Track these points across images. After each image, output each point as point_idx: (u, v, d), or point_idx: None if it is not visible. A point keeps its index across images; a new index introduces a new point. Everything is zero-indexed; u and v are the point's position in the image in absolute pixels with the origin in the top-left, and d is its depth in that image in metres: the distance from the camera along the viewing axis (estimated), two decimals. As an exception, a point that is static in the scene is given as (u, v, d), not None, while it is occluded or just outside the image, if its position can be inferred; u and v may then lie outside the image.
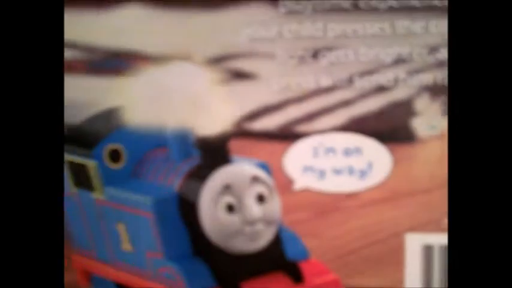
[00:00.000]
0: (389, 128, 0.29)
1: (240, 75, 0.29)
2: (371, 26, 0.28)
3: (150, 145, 0.29)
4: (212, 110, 0.26)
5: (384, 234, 0.30)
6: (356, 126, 0.29)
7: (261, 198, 0.25)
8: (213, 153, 0.26)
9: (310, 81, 0.29)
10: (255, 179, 0.25)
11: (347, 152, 0.29)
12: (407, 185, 0.29)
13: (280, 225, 0.27)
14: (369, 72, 0.29)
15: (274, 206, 0.26)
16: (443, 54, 0.29)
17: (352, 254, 0.30)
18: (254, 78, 0.29)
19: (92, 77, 0.29)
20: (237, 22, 0.29)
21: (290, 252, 0.28)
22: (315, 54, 0.29)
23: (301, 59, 0.29)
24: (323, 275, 0.27)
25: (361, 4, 0.28)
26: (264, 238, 0.26)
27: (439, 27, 0.28)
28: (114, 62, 0.29)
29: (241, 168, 0.26)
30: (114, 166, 0.29)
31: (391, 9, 0.28)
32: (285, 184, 0.30)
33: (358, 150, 0.29)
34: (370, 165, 0.29)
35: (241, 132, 0.29)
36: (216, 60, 0.29)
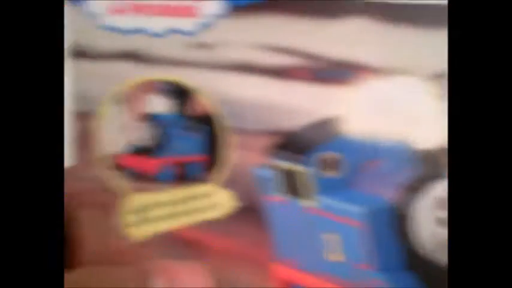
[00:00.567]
0: None
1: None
2: None
3: (366, 156, 0.28)
4: (431, 124, 0.25)
5: None
6: None
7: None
8: (431, 166, 0.25)
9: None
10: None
11: None
12: None
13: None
14: None
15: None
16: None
17: None
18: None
19: (316, 85, 0.29)
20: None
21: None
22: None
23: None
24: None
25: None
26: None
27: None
28: (339, 72, 0.29)
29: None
30: (328, 174, 0.28)
31: None
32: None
33: None
34: None
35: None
36: (439, 76, 0.28)
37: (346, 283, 0.26)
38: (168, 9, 0.27)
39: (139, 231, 0.28)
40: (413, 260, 0.25)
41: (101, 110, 0.27)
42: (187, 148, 0.29)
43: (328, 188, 0.28)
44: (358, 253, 0.26)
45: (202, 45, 0.28)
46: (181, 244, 0.28)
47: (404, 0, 0.26)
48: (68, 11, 0.26)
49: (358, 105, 0.27)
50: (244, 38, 0.28)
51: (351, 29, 0.28)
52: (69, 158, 0.26)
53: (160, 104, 0.28)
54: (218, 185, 0.29)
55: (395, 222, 0.25)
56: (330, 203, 0.28)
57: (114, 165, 0.27)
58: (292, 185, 0.29)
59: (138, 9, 0.26)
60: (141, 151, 0.28)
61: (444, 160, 0.25)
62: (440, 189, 0.24)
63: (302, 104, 0.28)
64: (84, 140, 0.26)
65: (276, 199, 0.30)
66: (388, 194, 0.26)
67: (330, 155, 0.28)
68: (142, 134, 0.27)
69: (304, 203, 0.29)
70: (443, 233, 0.23)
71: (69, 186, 0.26)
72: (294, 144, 0.29)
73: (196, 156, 0.29)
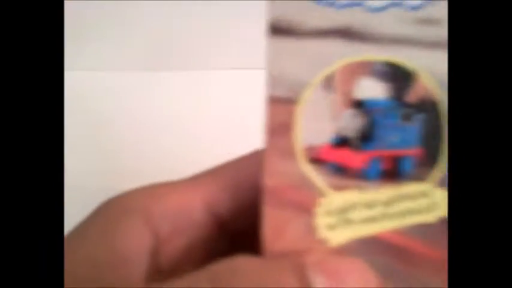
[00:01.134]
0: None
1: None
2: None
3: None
4: None
5: None
6: None
7: None
8: None
9: None
10: None
11: None
12: None
13: None
14: None
15: None
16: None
17: None
18: None
19: None
20: None
21: None
22: None
23: None
24: None
25: None
26: None
27: None
28: None
29: None
30: None
31: None
32: None
33: None
34: None
35: None
36: None
37: None
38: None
39: (339, 234, 0.25)
40: None
41: (305, 95, 0.24)
42: (401, 140, 0.26)
43: None
44: None
45: (427, 21, 0.25)
46: (387, 252, 0.25)
47: None
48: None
49: None
50: None
51: None
52: (265, 149, 0.24)
53: (373, 89, 0.25)
54: (435, 184, 0.25)
55: None
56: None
57: (315, 159, 0.25)
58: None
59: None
60: (347, 143, 0.25)
61: None
62: None
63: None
64: (284, 129, 0.24)
65: None
66: None
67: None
68: (350, 123, 0.24)
69: None
70: None
71: (266, 181, 0.25)
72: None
73: (410, 150, 0.26)
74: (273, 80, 0.25)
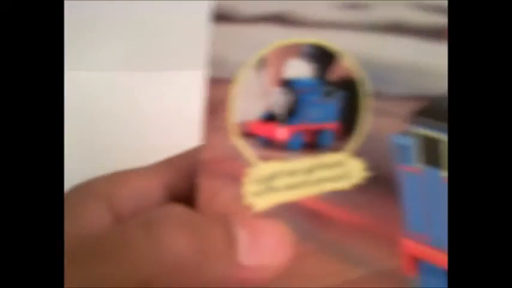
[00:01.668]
0: None
1: None
2: None
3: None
4: None
5: None
6: None
7: None
8: None
9: None
10: None
11: None
12: None
13: None
14: None
15: None
16: None
17: None
18: None
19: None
20: None
21: None
22: None
23: None
24: None
25: None
26: None
27: None
28: None
29: None
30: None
31: None
32: None
33: None
34: None
35: None
36: None
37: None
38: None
39: (264, 200, 0.27)
40: None
41: (240, 75, 0.25)
42: (321, 115, 0.28)
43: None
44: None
45: (353, 6, 0.26)
46: (306, 216, 0.27)
47: None
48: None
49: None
50: None
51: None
52: (204, 126, 0.25)
53: (300, 69, 0.26)
54: (350, 154, 0.28)
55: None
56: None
57: (247, 133, 0.26)
58: (433, 154, 0.28)
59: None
60: (274, 118, 0.26)
61: None
62: None
63: (453, 67, 0.26)
64: (220, 107, 0.25)
65: (412, 169, 0.28)
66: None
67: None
68: (278, 101, 0.25)
69: (444, 173, 0.27)
70: None
71: (203, 154, 0.26)
72: (439, 110, 0.27)
73: (330, 124, 0.28)
74: (213, 62, 0.26)
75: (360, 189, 0.28)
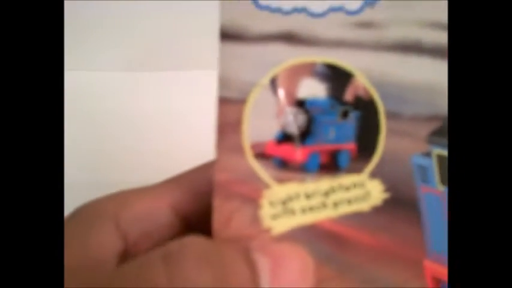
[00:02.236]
0: None
1: None
2: None
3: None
4: None
5: None
6: None
7: None
8: None
9: None
10: None
11: None
12: None
13: None
14: None
15: None
16: None
17: None
18: None
19: None
20: None
21: None
22: None
23: None
24: None
25: None
26: None
27: None
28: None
29: None
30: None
31: None
32: None
33: None
34: None
35: None
36: None
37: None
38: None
39: (282, 223, 0.27)
40: None
41: (252, 95, 0.25)
42: (338, 136, 0.28)
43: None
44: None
45: (365, 25, 0.26)
46: (324, 238, 0.27)
47: None
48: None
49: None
50: (410, 16, 0.27)
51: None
52: (216, 147, 0.25)
53: (314, 89, 0.27)
54: (368, 175, 0.27)
55: None
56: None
57: (261, 154, 0.26)
58: (451, 175, 0.27)
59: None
60: (290, 139, 0.27)
61: None
62: None
63: (469, 86, 0.26)
64: (233, 127, 0.26)
65: (432, 190, 0.28)
66: None
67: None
68: (292, 121, 0.25)
69: None
70: None
71: (217, 176, 0.26)
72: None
73: (347, 145, 0.28)
74: (224, 82, 0.26)
75: (380, 210, 0.27)
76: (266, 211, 0.27)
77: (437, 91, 0.27)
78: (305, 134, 0.28)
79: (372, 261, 0.28)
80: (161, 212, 0.28)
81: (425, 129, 0.27)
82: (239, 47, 0.26)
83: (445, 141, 0.27)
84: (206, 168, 0.27)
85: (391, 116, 0.27)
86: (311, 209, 0.27)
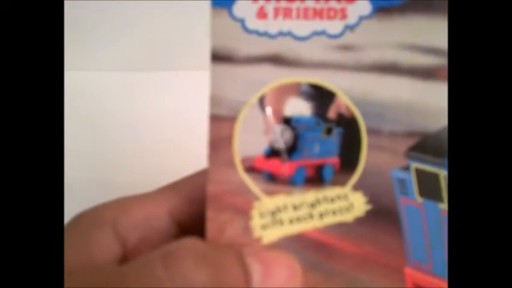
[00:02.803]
0: None
1: None
2: None
3: None
4: None
5: None
6: None
7: None
8: None
9: None
10: None
11: None
12: None
13: None
14: None
15: None
16: None
17: None
18: None
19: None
20: None
21: None
22: None
23: None
24: None
25: None
26: None
27: None
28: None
29: None
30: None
31: None
32: None
33: None
34: None
35: None
36: None
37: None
38: (314, 12, 0.26)
39: (271, 233, 0.28)
40: None
41: (242, 113, 0.27)
42: (322, 151, 0.29)
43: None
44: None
45: (346, 47, 0.28)
46: (311, 247, 0.29)
47: None
48: (214, 15, 0.25)
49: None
50: (388, 39, 0.28)
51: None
52: (209, 162, 0.27)
53: (299, 107, 0.28)
54: (351, 188, 0.29)
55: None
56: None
57: (251, 168, 0.27)
58: (431, 187, 0.29)
59: (286, 14, 0.26)
60: (277, 154, 0.28)
61: None
62: None
63: (445, 104, 0.28)
64: (224, 143, 0.27)
65: (412, 202, 0.29)
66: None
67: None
68: (279, 137, 0.27)
69: (444, 206, 0.28)
70: None
71: (210, 188, 0.27)
72: (433, 146, 0.28)
73: (331, 159, 0.29)
74: (215, 100, 0.28)
75: (362, 221, 0.29)
76: (256, 222, 0.28)
77: (414, 109, 0.28)
78: (292, 150, 0.29)
79: (355, 268, 0.29)
80: (159, 218, 0.29)
81: (403, 145, 0.29)
82: (229, 68, 0.28)
83: (426, 156, 0.29)
84: (202, 176, 0.28)
85: (372, 132, 0.29)
86: (298, 219, 0.29)
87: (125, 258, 0.28)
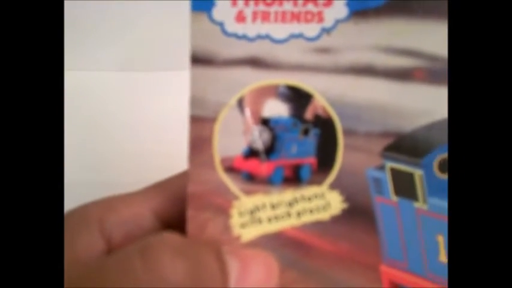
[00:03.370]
0: None
1: None
2: None
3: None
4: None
5: None
6: None
7: None
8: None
9: None
10: None
11: None
12: None
13: None
14: None
15: None
16: None
17: None
18: None
19: (434, 87, 0.29)
20: None
21: None
22: None
23: None
24: None
25: None
26: None
27: None
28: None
29: None
30: (443, 177, 0.28)
31: None
32: None
33: None
34: None
35: None
36: None
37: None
38: (292, 15, 0.27)
39: (250, 231, 0.29)
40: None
41: (221, 114, 0.27)
42: (299, 151, 0.30)
43: (443, 190, 0.28)
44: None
45: (322, 50, 0.29)
46: (289, 245, 0.29)
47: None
48: (194, 18, 0.26)
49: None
50: (364, 42, 0.29)
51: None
52: (189, 162, 0.27)
53: (277, 108, 0.28)
54: (328, 187, 0.29)
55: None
56: (442, 204, 0.28)
57: (230, 168, 0.28)
58: (406, 187, 0.29)
59: (264, 17, 0.27)
60: (256, 154, 0.28)
61: None
62: None
63: (419, 105, 0.29)
64: (204, 144, 0.27)
65: (387, 201, 0.30)
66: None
67: (445, 156, 0.27)
68: (258, 138, 0.27)
69: (418, 205, 0.29)
70: None
71: (190, 188, 0.28)
72: (409, 145, 0.29)
73: (308, 159, 0.29)
74: (195, 102, 0.28)
75: (339, 219, 0.29)
76: (236, 220, 0.29)
77: (389, 110, 0.29)
78: (270, 150, 0.30)
79: (332, 266, 0.30)
80: (143, 217, 0.29)
81: (378, 145, 0.29)
82: (209, 71, 0.28)
83: (398, 155, 0.29)
84: (186, 176, 0.29)
85: (348, 133, 0.29)
86: (276, 218, 0.29)
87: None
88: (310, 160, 0.29)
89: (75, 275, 0.24)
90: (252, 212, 0.29)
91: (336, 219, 0.29)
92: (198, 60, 0.27)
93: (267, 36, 0.28)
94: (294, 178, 0.29)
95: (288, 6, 0.28)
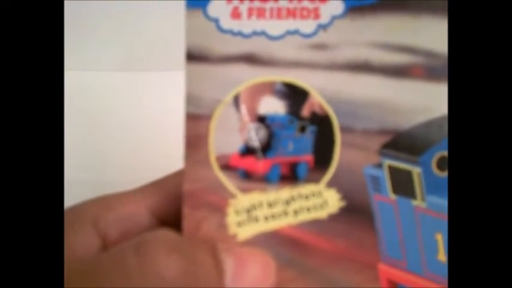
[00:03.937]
0: None
1: None
2: None
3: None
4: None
5: None
6: None
7: None
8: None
9: None
10: None
11: None
12: None
13: None
14: None
15: None
16: None
17: None
18: None
19: (432, 83, 0.28)
20: None
21: None
22: None
23: None
24: None
25: None
26: None
27: None
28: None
29: None
30: (441, 174, 0.28)
31: None
32: None
33: None
34: None
35: None
36: None
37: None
38: (288, 11, 0.27)
39: (246, 230, 0.29)
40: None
41: (217, 111, 0.27)
42: (296, 148, 0.29)
43: (441, 188, 0.28)
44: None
45: (319, 47, 0.28)
46: (285, 244, 0.29)
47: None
48: (189, 15, 0.26)
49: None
50: (360, 38, 0.28)
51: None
52: (185, 159, 0.27)
53: (274, 105, 0.28)
54: (325, 185, 0.29)
55: None
56: (441, 202, 0.28)
57: (226, 166, 0.28)
58: (404, 184, 0.29)
59: (259, 13, 0.26)
60: (252, 152, 0.28)
61: None
62: None
63: (417, 102, 0.28)
64: (200, 141, 0.27)
65: (385, 199, 0.30)
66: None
67: (444, 153, 0.27)
68: (254, 135, 0.27)
69: (417, 203, 0.28)
70: None
71: (186, 186, 0.28)
72: (407, 143, 0.29)
73: (305, 157, 0.29)
74: (190, 99, 0.28)
75: (336, 218, 0.29)
76: (232, 219, 0.28)
77: (386, 107, 0.29)
78: (266, 148, 0.29)
79: (329, 264, 0.30)
80: (140, 215, 0.29)
81: (376, 143, 0.29)
82: (204, 67, 0.28)
83: (395, 153, 0.29)
84: (182, 174, 0.28)
85: (345, 130, 0.29)
86: (273, 216, 0.29)
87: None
88: (307, 158, 0.29)
89: (70, 272, 0.24)
90: (248, 211, 0.28)
91: (333, 218, 0.29)
92: (194, 57, 0.27)
93: (262, 33, 0.28)
94: (290, 176, 0.29)
95: (283, 3, 0.28)
